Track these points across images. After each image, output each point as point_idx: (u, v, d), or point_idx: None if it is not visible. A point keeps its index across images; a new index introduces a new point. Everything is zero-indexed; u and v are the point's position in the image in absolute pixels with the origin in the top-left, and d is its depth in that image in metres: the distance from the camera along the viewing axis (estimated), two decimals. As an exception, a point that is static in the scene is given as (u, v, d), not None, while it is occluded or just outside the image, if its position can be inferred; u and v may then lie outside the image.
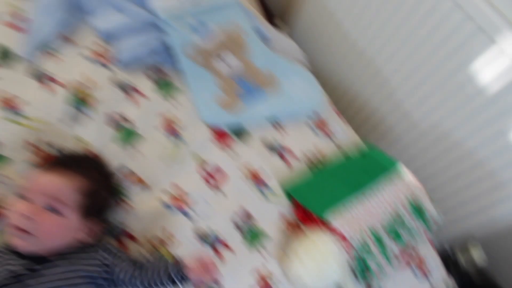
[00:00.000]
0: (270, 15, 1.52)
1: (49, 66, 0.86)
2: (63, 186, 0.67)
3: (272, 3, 1.61)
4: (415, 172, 1.07)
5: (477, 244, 1.22)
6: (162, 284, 0.67)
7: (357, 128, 1.13)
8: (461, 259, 1.25)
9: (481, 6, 0.88)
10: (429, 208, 0.86)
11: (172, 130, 0.86)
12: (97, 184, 0.71)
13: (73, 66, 0.88)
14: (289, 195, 0.84)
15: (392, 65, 1.11)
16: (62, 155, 0.78)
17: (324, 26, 1.28)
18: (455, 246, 1.28)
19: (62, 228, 0.67)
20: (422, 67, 1.04)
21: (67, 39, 0.90)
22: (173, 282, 0.66)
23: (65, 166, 0.71)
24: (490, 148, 0.99)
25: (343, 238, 0.78)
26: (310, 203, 0.81)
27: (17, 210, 0.64)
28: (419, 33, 1.00)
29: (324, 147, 0.92)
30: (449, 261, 1.29)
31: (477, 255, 1.20)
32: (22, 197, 0.66)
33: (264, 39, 1.00)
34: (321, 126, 0.95)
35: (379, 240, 0.80)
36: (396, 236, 0.82)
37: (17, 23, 0.90)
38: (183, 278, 0.66)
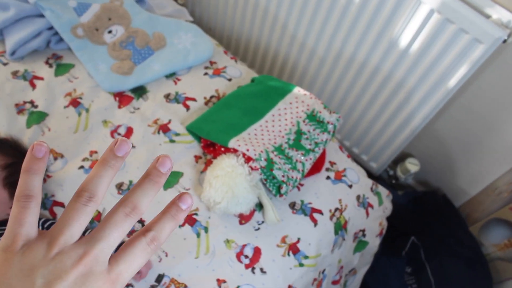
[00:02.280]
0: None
1: None
2: None
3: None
4: (317, 94, 1.21)
5: (411, 155, 1.35)
6: None
7: (258, 71, 1.26)
8: (399, 171, 1.37)
9: None
10: (326, 115, 0.97)
11: (77, 104, 0.96)
12: (15, 159, 0.81)
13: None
14: (193, 133, 0.95)
15: (274, 0, 1.23)
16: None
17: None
18: (393, 163, 1.41)
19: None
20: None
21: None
22: None
23: None
24: (389, 60, 1.12)
25: (248, 158, 0.89)
26: (211, 134, 0.92)
27: None
28: None
29: (219, 85, 1.03)
30: (391, 177, 1.42)
31: (410, 163, 1.32)
32: None
33: (146, 6, 1.12)
34: (215, 70, 1.07)
35: (283, 153, 0.91)
36: (299, 146, 0.93)
37: None
38: None
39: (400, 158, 1.38)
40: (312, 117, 0.98)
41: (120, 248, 0.29)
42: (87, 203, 0.28)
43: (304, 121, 0.97)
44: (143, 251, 0.29)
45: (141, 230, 0.30)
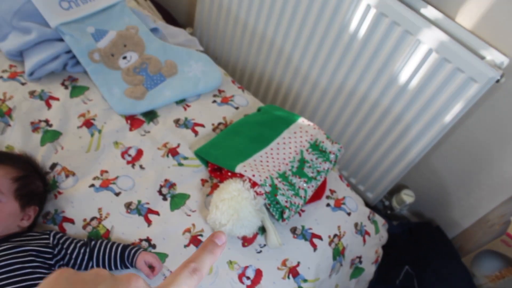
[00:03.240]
0: (180, 25, 1.75)
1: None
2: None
3: (178, 15, 1.83)
4: (320, 124, 1.28)
5: (406, 186, 1.42)
6: (115, 260, 0.83)
7: (262, 100, 1.33)
8: (394, 202, 1.43)
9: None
10: (328, 145, 1.04)
11: (90, 125, 1.03)
12: (28, 173, 0.87)
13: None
14: (201, 158, 1.01)
15: (281, 34, 1.32)
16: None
17: (218, 17, 1.50)
18: (389, 194, 1.47)
19: (3, 214, 0.81)
20: (307, 33, 1.26)
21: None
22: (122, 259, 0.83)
23: None
24: (389, 95, 1.20)
25: (253, 183, 0.95)
26: (219, 159, 0.98)
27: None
28: (301, 6, 1.21)
29: (227, 113, 1.10)
30: (386, 207, 1.48)
31: (405, 194, 1.39)
32: None
33: (159, 34, 1.19)
34: (223, 98, 1.13)
35: (286, 180, 0.97)
36: (302, 174, 1.00)
37: None
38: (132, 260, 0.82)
39: (396, 189, 1.45)
40: (315, 147, 1.05)
41: (166, 279, 0.34)
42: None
43: (307, 150, 1.04)
44: (188, 279, 0.33)
45: (183, 263, 0.34)
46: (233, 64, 1.60)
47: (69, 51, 1.11)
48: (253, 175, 0.95)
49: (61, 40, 1.11)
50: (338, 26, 1.22)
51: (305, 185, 1.00)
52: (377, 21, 1.14)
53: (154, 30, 1.21)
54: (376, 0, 1.10)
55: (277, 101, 1.53)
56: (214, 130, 1.08)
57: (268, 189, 0.94)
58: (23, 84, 1.08)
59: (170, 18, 1.69)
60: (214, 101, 1.13)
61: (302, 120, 1.10)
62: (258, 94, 1.57)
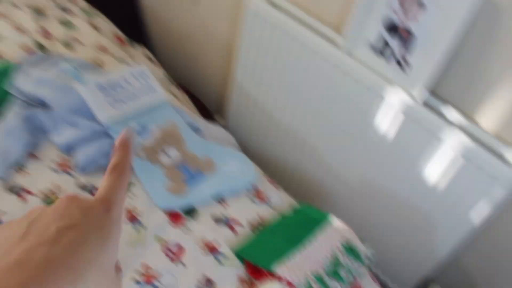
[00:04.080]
0: (210, 113, 1.86)
1: (22, 180, 1.10)
2: None
3: (209, 103, 1.96)
4: (350, 221, 1.35)
5: (433, 281, 1.45)
6: None
7: (294, 194, 1.41)
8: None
9: (368, 76, 1.20)
10: (361, 247, 1.10)
11: (133, 219, 1.09)
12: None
13: (42, 177, 1.12)
14: (240, 257, 1.07)
15: (314, 133, 1.42)
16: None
17: (252, 112, 1.61)
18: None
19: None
20: (339, 131, 1.36)
21: (33, 156, 1.16)
22: None
23: None
24: (417, 194, 1.27)
25: (290, 284, 1.00)
26: (257, 259, 1.04)
27: None
28: (326, 101, 1.31)
29: (263, 212, 1.17)
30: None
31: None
32: None
33: (198, 131, 1.29)
34: (258, 195, 1.21)
35: (321, 281, 1.03)
36: (335, 275, 1.05)
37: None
38: None
39: (423, 285, 1.48)
40: (349, 249, 1.10)
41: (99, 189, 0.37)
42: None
43: (341, 252, 1.09)
44: (115, 181, 0.37)
45: (106, 171, 0.38)
46: (260, 154, 1.69)
47: (115, 147, 1.19)
48: (291, 277, 1.00)
49: (110, 136, 1.20)
50: (364, 125, 1.31)
51: (338, 286, 1.05)
52: (404, 124, 1.23)
53: (193, 127, 1.30)
54: (401, 103, 1.19)
55: (308, 196, 1.61)
56: (251, 228, 1.14)
57: (304, 290, 0.99)
58: (73, 176, 1.16)
59: (201, 106, 1.81)
60: (250, 199, 1.20)
61: (336, 222, 1.16)
62: (290, 188, 1.64)
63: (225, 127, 1.68)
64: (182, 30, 2.02)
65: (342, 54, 1.27)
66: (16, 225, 0.32)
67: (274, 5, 1.41)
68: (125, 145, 0.41)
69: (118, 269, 0.38)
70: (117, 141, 0.41)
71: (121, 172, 0.38)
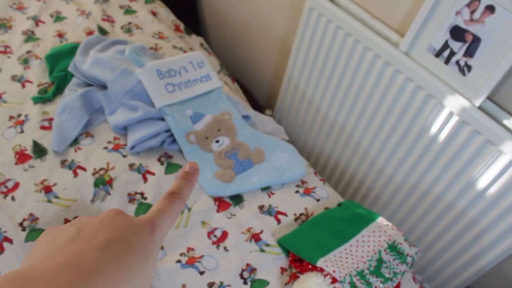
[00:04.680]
0: (260, 106, 1.89)
1: (77, 156, 1.16)
2: None
3: (259, 96, 1.98)
4: (397, 224, 1.33)
5: (470, 286, 1.42)
6: None
7: (341, 193, 1.41)
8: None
9: (426, 78, 1.19)
10: (405, 247, 1.09)
11: (180, 201, 1.12)
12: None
13: (97, 156, 1.18)
14: (282, 246, 1.08)
15: (360, 128, 1.43)
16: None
17: (300, 105, 1.62)
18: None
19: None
20: (385, 127, 1.34)
21: (88, 133, 1.21)
22: None
23: None
24: (465, 198, 1.25)
25: (333, 278, 1.00)
26: (301, 250, 1.05)
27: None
28: (375, 98, 1.31)
29: (308, 204, 1.18)
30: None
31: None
32: None
33: (249, 121, 1.31)
34: (304, 187, 1.21)
35: (363, 278, 1.03)
36: (379, 274, 1.05)
37: (48, 125, 1.22)
38: None
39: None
40: (393, 248, 1.10)
41: (151, 209, 0.38)
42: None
43: (385, 251, 1.09)
44: (171, 204, 0.38)
45: (164, 194, 0.40)
46: (308, 150, 1.69)
47: (168, 130, 1.23)
48: (334, 271, 1.01)
49: (162, 119, 1.24)
50: (418, 128, 1.30)
51: (381, 285, 1.04)
52: (459, 128, 1.21)
53: (245, 117, 1.32)
54: (458, 108, 1.17)
55: (356, 198, 1.60)
56: (295, 220, 1.16)
57: (347, 286, 1.00)
58: (124, 156, 1.20)
59: (251, 99, 1.83)
60: (297, 191, 1.22)
61: (381, 220, 1.16)
62: (338, 187, 1.65)
63: (276, 120, 1.69)
64: (238, 23, 2.05)
65: (400, 54, 1.26)
66: (63, 230, 0.33)
67: (334, 2, 1.42)
68: (190, 176, 0.41)
69: None
70: (183, 170, 0.42)
71: (176, 200, 0.39)
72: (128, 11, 1.72)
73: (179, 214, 0.39)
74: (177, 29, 1.76)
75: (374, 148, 1.46)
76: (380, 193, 1.51)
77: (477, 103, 1.15)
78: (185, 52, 1.56)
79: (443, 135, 1.24)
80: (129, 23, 1.66)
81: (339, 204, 1.20)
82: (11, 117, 1.30)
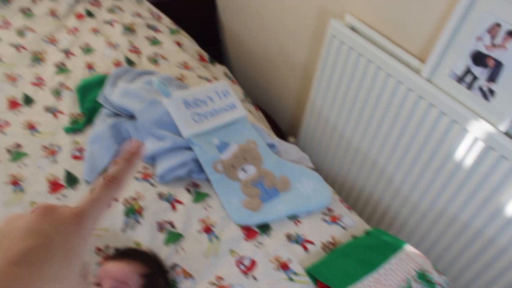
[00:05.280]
0: (283, 133, 1.91)
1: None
2: (128, 272, 0.95)
3: (282, 123, 2.00)
4: (425, 252, 1.33)
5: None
6: None
7: (367, 220, 1.41)
8: None
9: (449, 103, 1.20)
10: (435, 276, 1.08)
11: (208, 230, 1.14)
12: (154, 270, 0.99)
13: (127, 185, 1.19)
14: (311, 275, 1.08)
15: (384, 155, 1.43)
16: (126, 248, 1.06)
17: (323, 132, 1.64)
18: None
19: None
20: (409, 153, 1.34)
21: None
22: None
23: (128, 256, 0.99)
24: (494, 225, 1.24)
25: (361, 307, 1.00)
26: (329, 279, 1.05)
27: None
28: (398, 124, 1.32)
29: (335, 232, 1.18)
30: None
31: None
32: (97, 284, 0.94)
33: (274, 149, 1.33)
34: (331, 215, 1.22)
35: (392, 307, 1.02)
36: (407, 303, 1.04)
37: (79, 154, 1.25)
38: None
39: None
40: (422, 276, 1.09)
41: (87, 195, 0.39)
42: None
43: (414, 279, 1.08)
44: (106, 190, 0.38)
45: (102, 177, 0.40)
46: (332, 177, 1.70)
47: (195, 159, 1.25)
48: (362, 300, 1.01)
49: (189, 148, 1.27)
50: (443, 154, 1.30)
51: (410, 314, 1.04)
52: (485, 154, 1.20)
53: (270, 145, 1.34)
54: (483, 133, 1.17)
55: (381, 223, 1.60)
56: (323, 248, 1.16)
57: (376, 315, 1.00)
58: (153, 185, 1.23)
59: (274, 126, 1.85)
60: (324, 219, 1.22)
61: (408, 247, 1.15)
62: (363, 214, 1.65)
63: (299, 147, 1.71)
64: (260, 51, 2.09)
65: (422, 80, 1.27)
66: None
67: (355, 30, 1.44)
68: (129, 160, 0.41)
69: (84, 276, 0.39)
70: (123, 153, 0.42)
71: (112, 186, 0.39)
72: (154, 42, 1.77)
73: (111, 200, 0.39)
74: (201, 59, 1.80)
75: (399, 175, 1.47)
76: (406, 220, 1.51)
77: (503, 128, 1.15)
78: (209, 81, 1.60)
79: (468, 161, 1.24)
80: (155, 53, 1.71)
81: (367, 233, 1.21)
82: (44, 147, 1.34)
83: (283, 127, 2.11)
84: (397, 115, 1.39)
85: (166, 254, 1.12)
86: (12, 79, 1.56)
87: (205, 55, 1.84)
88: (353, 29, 1.45)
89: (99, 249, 1.12)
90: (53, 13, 1.87)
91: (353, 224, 1.24)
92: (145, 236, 1.14)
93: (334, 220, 1.23)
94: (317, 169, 1.75)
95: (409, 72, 1.29)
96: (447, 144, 1.28)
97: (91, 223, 0.37)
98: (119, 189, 0.40)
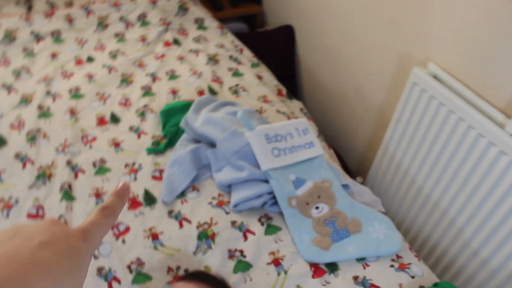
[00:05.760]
0: (351, 173, 1.91)
1: (184, 208, 1.24)
2: None
3: (351, 163, 2.01)
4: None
5: None
6: None
7: (430, 268, 1.38)
8: None
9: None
10: None
11: (277, 263, 1.16)
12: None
13: (202, 210, 1.25)
14: (376, 322, 1.08)
15: (456, 206, 1.41)
16: (196, 270, 1.10)
17: (393, 176, 1.63)
18: None
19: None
20: (484, 208, 1.31)
21: (195, 187, 1.29)
22: None
23: (198, 278, 1.03)
24: None
25: None
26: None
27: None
28: (475, 177, 1.30)
29: (403, 280, 1.17)
30: None
31: None
32: None
33: (347, 189, 1.33)
34: (400, 264, 1.21)
35: None
36: None
37: (158, 175, 1.32)
38: None
39: None
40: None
41: (84, 221, 0.40)
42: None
43: None
44: (101, 217, 0.40)
45: (97, 208, 0.41)
46: (398, 222, 1.69)
47: (270, 192, 1.28)
48: None
49: (266, 181, 1.30)
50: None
51: None
52: None
53: (344, 186, 1.36)
54: None
55: (445, 275, 1.57)
56: (390, 296, 1.15)
57: None
58: (227, 213, 1.27)
59: (343, 165, 1.86)
60: (392, 266, 1.21)
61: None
62: (427, 261, 1.62)
63: (363, 184, 1.71)
64: (334, 89, 2.12)
65: (506, 135, 1.25)
66: (2, 232, 0.34)
67: (438, 79, 1.44)
68: (122, 194, 0.44)
69: None
70: (116, 188, 0.44)
71: (108, 213, 0.41)
72: (236, 73, 1.85)
73: (109, 227, 0.41)
74: (279, 93, 1.85)
75: (469, 228, 1.43)
76: (472, 275, 1.47)
77: None
78: (288, 116, 1.64)
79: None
80: (237, 85, 1.78)
81: (435, 284, 1.19)
82: (127, 165, 1.42)
83: (351, 166, 2.12)
84: (474, 168, 1.37)
85: (234, 281, 1.14)
86: (102, 97, 1.67)
87: (283, 90, 1.89)
88: (435, 77, 1.46)
89: (170, 269, 1.17)
90: (143, 39, 1.99)
91: (421, 274, 1.22)
92: (215, 262, 1.17)
93: (403, 267, 1.22)
94: (384, 212, 1.74)
95: (492, 126, 1.28)
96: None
97: (95, 242, 0.39)
98: (114, 218, 0.42)
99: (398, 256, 1.25)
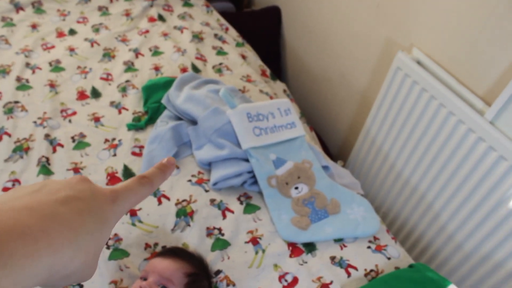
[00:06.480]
0: (332, 156, 1.92)
1: (163, 185, 1.23)
2: (174, 269, 0.98)
3: (332, 146, 2.01)
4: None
5: None
6: None
7: (407, 252, 1.40)
8: None
9: (510, 147, 1.18)
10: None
11: (256, 243, 1.16)
12: (199, 272, 1.01)
13: (181, 187, 1.24)
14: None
15: (434, 191, 1.42)
16: (174, 247, 1.09)
17: (374, 160, 1.64)
18: None
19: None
20: (460, 193, 1.34)
21: (176, 166, 1.28)
22: None
23: (176, 254, 1.02)
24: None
25: None
26: (370, 308, 1.05)
27: (138, 285, 0.95)
28: (453, 163, 1.31)
29: (379, 261, 1.19)
30: None
31: None
32: (143, 278, 0.97)
33: (327, 171, 1.34)
34: (377, 246, 1.22)
35: None
36: None
37: (138, 151, 1.31)
38: None
39: None
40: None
41: (120, 184, 0.39)
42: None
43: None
44: (138, 186, 0.39)
45: (137, 176, 0.40)
46: (377, 205, 1.70)
47: (250, 171, 1.28)
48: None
49: (246, 160, 1.30)
50: (496, 198, 1.28)
51: None
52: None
53: (324, 167, 1.36)
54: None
55: (421, 257, 1.60)
56: (365, 275, 1.16)
57: None
58: (206, 191, 1.27)
59: (324, 148, 1.87)
60: (369, 247, 1.23)
61: (452, 286, 1.14)
62: (404, 245, 1.64)
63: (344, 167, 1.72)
64: (318, 72, 2.11)
65: (485, 122, 1.26)
66: (29, 186, 0.34)
67: (421, 65, 1.45)
68: (164, 168, 0.43)
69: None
70: (160, 162, 0.44)
71: (145, 182, 0.40)
72: (220, 52, 1.83)
73: (144, 197, 0.40)
74: (263, 73, 1.84)
75: (446, 213, 1.45)
76: (447, 259, 1.49)
77: None
78: (270, 97, 1.63)
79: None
80: (220, 63, 1.76)
81: (410, 266, 1.20)
82: (106, 140, 1.40)
83: (332, 149, 2.12)
84: (453, 153, 1.38)
85: (212, 259, 1.14)
86: (83, 71, 1.64)
87: (267, 71, 1.88)
88: (419, 63, 1.46)
89: (148, 245, 1.16)
90: (127, 14, 1.95)
91: (398, 256, 1.24)
92: (193, 239, 1.17)
93: (379, 249, 1.23)
94: (363, 195, 1.75)
95: (472, 113, 1.29)
96: (502, 189, 1.26)
97: (124, 205, 0.37)
98: (151, 189, 0.41)
99: (375, 238, 1.26)
